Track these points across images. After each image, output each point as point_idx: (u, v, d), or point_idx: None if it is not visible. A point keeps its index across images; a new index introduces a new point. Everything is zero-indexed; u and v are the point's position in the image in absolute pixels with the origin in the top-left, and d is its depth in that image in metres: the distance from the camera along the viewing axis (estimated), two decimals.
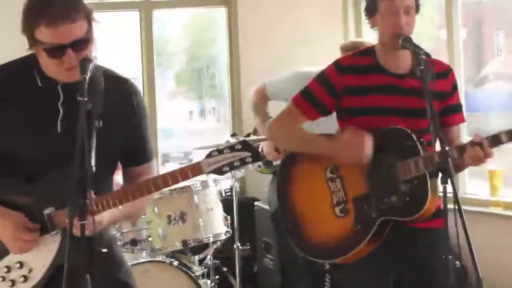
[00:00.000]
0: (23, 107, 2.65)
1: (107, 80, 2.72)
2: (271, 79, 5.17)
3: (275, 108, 4.26)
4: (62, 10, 2.49)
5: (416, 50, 2.95)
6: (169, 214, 4.45)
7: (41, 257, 2.62)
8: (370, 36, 5.88)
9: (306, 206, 3.22)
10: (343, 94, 3.14)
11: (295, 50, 5.18)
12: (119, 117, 2.73)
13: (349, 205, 3.12)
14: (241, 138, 2.84)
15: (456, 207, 2.66)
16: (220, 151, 2.58)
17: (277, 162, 4.97)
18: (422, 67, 2.90)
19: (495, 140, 2.90)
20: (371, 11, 3.17)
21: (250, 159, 2.57)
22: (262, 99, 5.07)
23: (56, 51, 2.53)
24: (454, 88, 3.19)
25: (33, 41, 2.56)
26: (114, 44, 7.13)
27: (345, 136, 3.07)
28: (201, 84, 8.37)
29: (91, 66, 2.52)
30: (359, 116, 3.12)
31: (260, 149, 4.96)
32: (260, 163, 5.03)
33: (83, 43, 2.55)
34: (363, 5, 5.97)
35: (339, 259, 3.13)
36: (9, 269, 2.68)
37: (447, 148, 2.75)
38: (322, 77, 3.23)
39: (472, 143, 2.90)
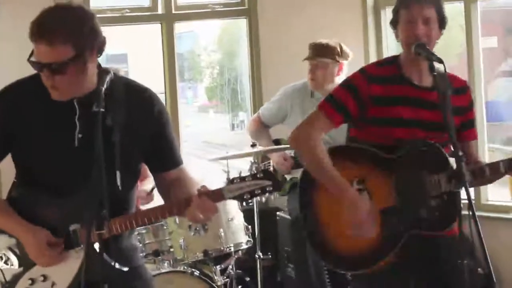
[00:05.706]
0: (40, 122, 2.69)
1: (127, 91, 2.76)
2: (264, 106, 5.25)
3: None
4: (45, 28, 2.50)
5: (429, 56, 2.96)
6: (190, 224, 4.46)
7: (65, 272, 2.66)
8: (390, 47, 5.89)
9: (331, 216, 3.18)
10: (370, 103, 3.12)
11: None
12: (140, 128, 2.76)
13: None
14: (261, 165, 2.85)
15: (470, 213, 2.68)
16: (242, 179, 2.63)
17: (292, 176, 4.98)
18: (435, 73, 2.92)
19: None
20: (394, 22, 3.17)
21: (271, 188, 2.62)
22: (259, 127, 5.15)
23: (35, 66, 2.57)
24: (471, 104, 3.25)
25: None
26: (139, 58, 7.14)
27: (351, 194, 3.07)
28: (228, 97, 8.37)
29: (108, 78, 2.56)
30: (383, 126, 3.13)
31: (271, 166, 5.00)
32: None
33: (61, 68, 2.53)
34: (383, 15, 6.01)
35: (363, 270, 3.13)
36: (33, 281, 2.73)
37: (460, 153, 2.77)
38: (347, 83, 3.22)
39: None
